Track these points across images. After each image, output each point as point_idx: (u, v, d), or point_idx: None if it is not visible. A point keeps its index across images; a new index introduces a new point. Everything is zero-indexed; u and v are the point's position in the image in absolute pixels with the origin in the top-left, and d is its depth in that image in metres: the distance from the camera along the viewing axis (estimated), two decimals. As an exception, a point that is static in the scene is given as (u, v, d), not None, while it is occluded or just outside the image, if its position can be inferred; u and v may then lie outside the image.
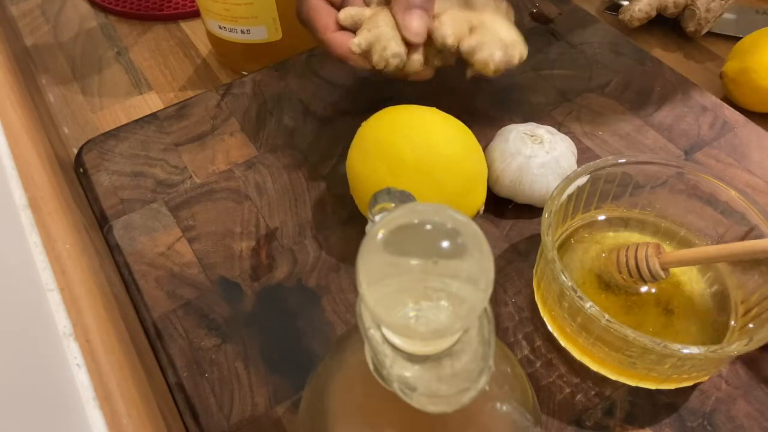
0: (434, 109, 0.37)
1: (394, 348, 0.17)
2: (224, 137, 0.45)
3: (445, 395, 0.16)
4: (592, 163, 0.34)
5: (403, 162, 0.34)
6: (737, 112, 0.45)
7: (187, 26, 0.58)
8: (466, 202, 0.36)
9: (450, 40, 0.35)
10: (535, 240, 0.39)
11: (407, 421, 0.20)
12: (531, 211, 0.40)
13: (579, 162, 0.42)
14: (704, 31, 0.52)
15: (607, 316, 0.29)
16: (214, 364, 0.35)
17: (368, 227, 0.19)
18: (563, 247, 0.36)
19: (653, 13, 0.53)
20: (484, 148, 0.39)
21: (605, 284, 0.34)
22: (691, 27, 0.52)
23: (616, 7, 0.56)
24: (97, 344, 0.31)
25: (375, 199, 0.21)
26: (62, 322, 0.31)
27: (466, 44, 0.36)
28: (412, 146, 0.34)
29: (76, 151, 0.46)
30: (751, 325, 0.31)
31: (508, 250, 0.39)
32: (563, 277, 0.30)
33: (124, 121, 0.48)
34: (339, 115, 0.46)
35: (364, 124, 0.37)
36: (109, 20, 0.59)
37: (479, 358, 0.17)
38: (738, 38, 0.49)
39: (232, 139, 0.45)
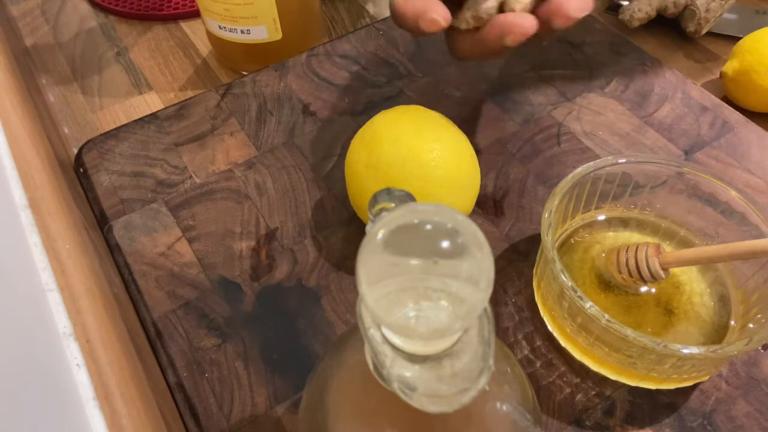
0: (434, 114, 0.37)
1: (394, 348, 0.17)
2: (224, 137, 0.45)
3: (445, 395, 0.16)
4: (592, 163, 0.34)
5: (395, 171, 0.34)
6: (737, 112, 0.45)
7: (187, 26, 0.58)
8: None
9: None
10: (535, 240, 0.39)
11: (407, 421, 0.20)
12: (531, 211, 0.40)
13: (579, 162, 0.42)
14: (704, 31, 0.52)
15: (607, 316, 0.29)
16: (214, 364, 0.35)
17: (368, 227, 0.19)
18: (563, 247, 0.36)
19: (653, 14, 0.53)
20: (483, 149, 0.39)
21: (605, 284, 0.34)
22: (691, 27, 0.52)
23: (616, 7, 0.56)
24: (97, 344, 0.31)
25: (375, 199, 0.21)
26: (62, 322, 0.31)
27: None
28: (404, 158, 0.34)
29: (76, 151, 0.46)
30: (751, 325, 0.31)
31: (508, 250, 0.39)
32: (563, 277, 0.30)
33: (124, 121, 0.48)
34: (339, 115, 0.46)
35: (362, 129, 0.37)
36: (109, 20, 0.59)
37: (479, 358, 0.17)
38: (738, 38, 0.49)
39: (232, 139, 0.45)
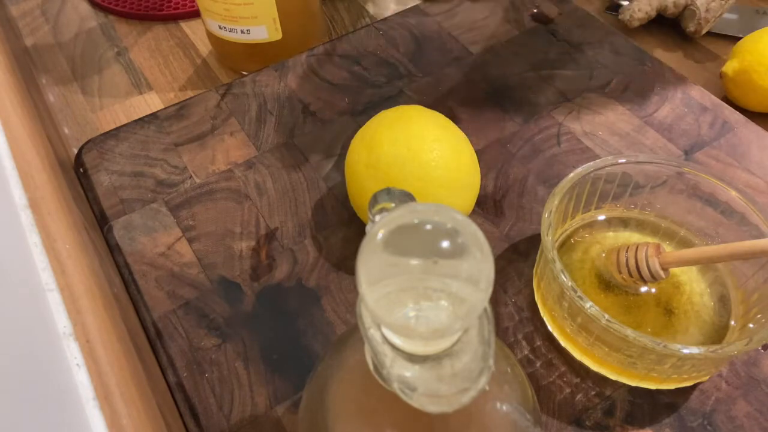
0: (434, 114, 0.37)
1: (394, 348, 0.17)
2: (224, 137, 0.45)
3: (445, 395, 0.16)
4: (592, 163, 0.34)
5: (395, 171, 0.34)
6: (737, 112, 0.45)
7: (187, 26, 0.58)
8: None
9: None
10: (535, 240, 0.39)
11: (407, 421, 0.20)
12: (531, 211, 0.40)
13: (579, 162, 0.42)
14: (704, 31, 0.52)
15: (607, 316, 0.29)
16: (214, 364, 0.35)
17: (368, 227, 0.19)
18: (563, 247, 0.36)
19: (653, 14, 0.53)
20: (483, 149, 0.39)
21: (605, 284, 0.34)
22: (691, 27, 0.52)
23: (616, 7, 0.56)
24: (97, 344, 0.31)
25: (375, 199, 0.21)
26: (62, 322, 0.31)
27: None
28: (404, 158, 0.34)
29: (76, 151, 0.46)
30: (751, 325, 0.31)
31: (508, 250, 0.39)
32: (563, 277, 0.30)
33: (124, 121, 0.48)
34: (339, 115, 0.46)
35: (362, 129, 0.37)
36: (109, 20, 0.59)
37: (479, 358, 0.17)
38: (738, 38, 0.49)
39: (232, 139, 0.45)
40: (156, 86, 0.53)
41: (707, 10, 0.50)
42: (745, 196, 0.33)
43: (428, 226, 0.16)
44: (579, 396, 0.33)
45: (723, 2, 0.50)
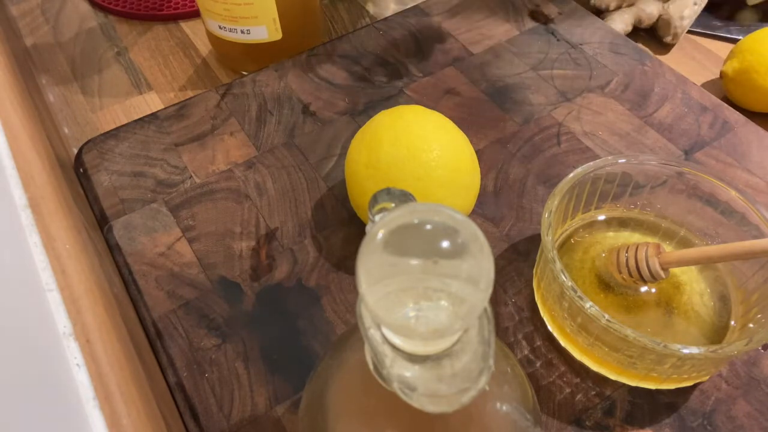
0: (434, 114, 0.37)
1: (394, 348, 0.17)
2: (224, 137, 0.45)
3: (445, 395, 0.16)
4: (592, 163, 0.34)
5: (395, 171, 0.34)
6: (737, 112, 0.45)
7: (187, 26, 0.58)
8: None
9: None
10: (535, 240, 0.39)
11: (407, 421, 0.20)
12: (531, 211, 0.40)
13: (579, 162, 0.42)
14: (679, 39, 0.52)
15: (607, 316, 0.29)
16: (214, 364, 0.35)
17: (368, 227, 0.19)
18: (563, 247, 0.36)
19: (629, 28, 0.53)
20: (483, 149, 0.39)
21: (605, 284, 0.34)
22: (668, 37, 0.52)
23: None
24: (97, 344, 0.31)
25: (375, 199, 0.21)
26: (62, 322, 0.31)
27: None
28: (404, 158, 0.34)
29: (76, 151, 0.46)
30: (751, 325, 0.31)
31: (508, 250, 0.39)
32: (563, 277, 0.30)
33: (124, 121, 0.48)
34: (339, 115, 0.46)
35: (362, 129, 0.37)
36: (109, 20, 0.59)
37: (479, 358, 0.17)
38: (738, 38, 0.49)
39: (232, 139, 0.45)
40: (156, 86, 0.53)
41: (681, 18, 0.50)
42: (745, 196, 0.33)
43: (428, 226, 0.16)
44: (579, 396, 0.33)
45: (696, 7, 0.50)
